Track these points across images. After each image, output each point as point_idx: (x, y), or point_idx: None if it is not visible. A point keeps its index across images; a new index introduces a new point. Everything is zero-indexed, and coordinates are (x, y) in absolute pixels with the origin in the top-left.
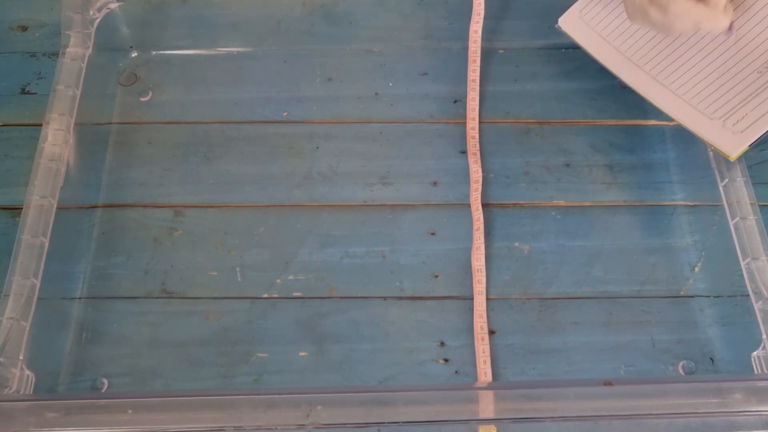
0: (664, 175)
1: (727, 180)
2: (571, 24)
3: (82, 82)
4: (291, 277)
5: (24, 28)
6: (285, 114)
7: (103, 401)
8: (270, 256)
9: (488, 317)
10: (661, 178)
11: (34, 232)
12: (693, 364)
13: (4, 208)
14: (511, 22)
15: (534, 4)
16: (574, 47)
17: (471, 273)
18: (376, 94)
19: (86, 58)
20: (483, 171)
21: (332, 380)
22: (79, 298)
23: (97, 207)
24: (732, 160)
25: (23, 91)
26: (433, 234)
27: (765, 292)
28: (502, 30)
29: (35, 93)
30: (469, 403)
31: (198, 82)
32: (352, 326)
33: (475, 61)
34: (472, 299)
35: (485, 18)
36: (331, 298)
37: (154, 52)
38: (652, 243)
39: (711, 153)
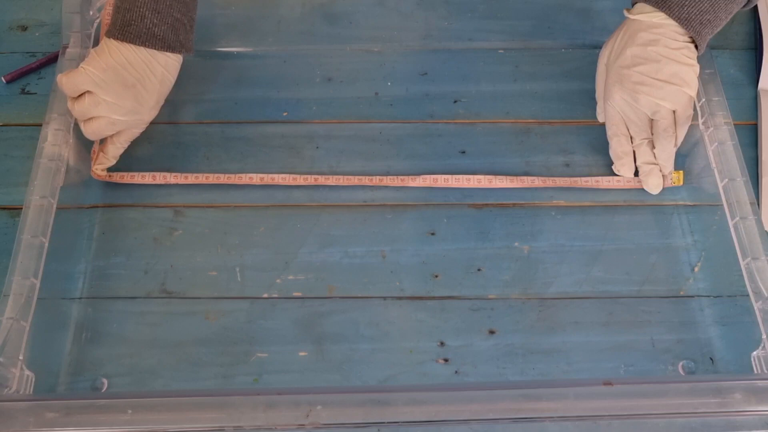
0: None
1: (726, 180)
2: None
3: None
4: (291, 277)
5: (24, 28)
6: (285, 114)
7: (103, 401)
8: (270, 256)
9: (488, 317)
10: None
11: (34, 232)
12: (693, 364)
13: (4, 208)
14: (511, 22)
15: (534, 3)
16: (574, 47)
17: (471, 273)
18: (376, 94)
19: None
20: (485, 170)
21: (332, 380)
22: (79, 298)
23: (97, 207)
24: None
25: (23, 91)
26: (432, 234)
27: (765, 292)
28: (502, 30)
29: (35, 93)
30: (469, 403)
31: (198, 82)
32: (352, 326)
33: None
34: (472, 299)
35: (484, 18)
36: (330, 298)
37: None
38: (652, 243)
39: (711, 153)
